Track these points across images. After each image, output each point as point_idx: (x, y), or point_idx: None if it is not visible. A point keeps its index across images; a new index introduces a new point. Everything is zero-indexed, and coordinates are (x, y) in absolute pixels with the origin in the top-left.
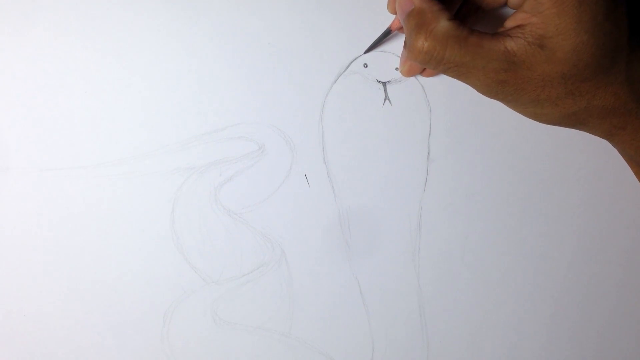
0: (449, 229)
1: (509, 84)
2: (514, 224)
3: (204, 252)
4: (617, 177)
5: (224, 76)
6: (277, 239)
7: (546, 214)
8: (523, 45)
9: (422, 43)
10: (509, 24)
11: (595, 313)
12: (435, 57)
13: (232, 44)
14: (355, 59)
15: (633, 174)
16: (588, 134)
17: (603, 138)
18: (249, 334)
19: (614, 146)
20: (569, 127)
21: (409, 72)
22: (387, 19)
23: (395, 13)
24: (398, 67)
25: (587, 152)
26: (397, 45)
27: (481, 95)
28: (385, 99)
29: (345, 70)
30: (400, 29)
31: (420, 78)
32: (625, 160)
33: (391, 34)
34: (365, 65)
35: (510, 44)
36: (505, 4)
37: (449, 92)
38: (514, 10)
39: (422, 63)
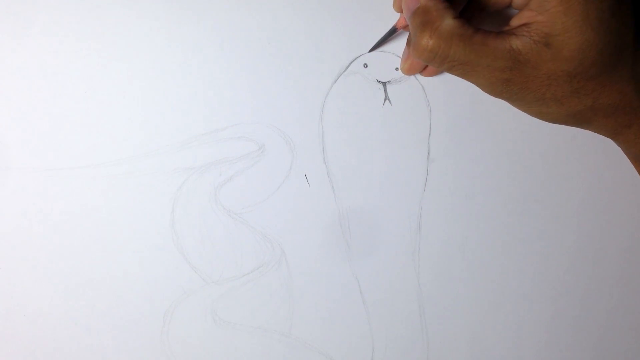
0: (449, 229)
1: (514, 82)
2: (514, 224)
3: (204, 252)
4: (617, 178)
5: (224, 76)
6: (277, 239)
7: (546, 214)
8: (528, 43)
9: (427, 41)
10: (514, 22)
11: (595, 313)
12: (440, 54)
13: (232, 43)
14: (355, 59)
15: (633, 174)
16: (588, 134)
17: (608, 137)
18: (249, 334)
19: (619, 145)
20: (574, 126)
21: (409, 70)
22: (387, 19)
23: (401, 11)
24: (398, 67)
25: (587, 152)
26: (397, 45)
27: (481, 95)
28: (385, 99)
29: (345, 70)
30: (406, 27)
31: (420, 78)
32: (630, 159)
33: (396, 33)
34: (365, 65)
35: (516, 43)
36: (510, 5)
37: (449, 92)
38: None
39: (426, 61)
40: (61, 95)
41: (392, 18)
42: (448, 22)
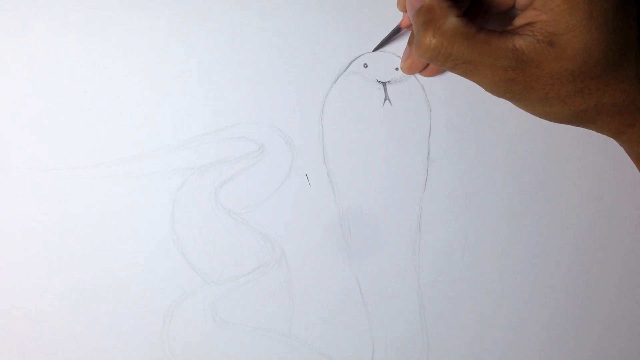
0: (449, 229)
1: (517, 82)
2: (514, 224)
3: (204, 252)
4: (617, 177)
5: (224, 76)
6: (277, 239)
7: (546, 214)
8: (532, 43)
9: (430, 39)
10: (518, 22)
11: (595, 313)
12: (443, 53)
13: (232, 43)
14: (355, 59)
15: (633, 174)
16: (588, 134)
17: (610, 136)
18: (249, 334)
19: (621, 145)
20: (578, 126)
21: (409, 69)
22: (387, 19)
23: (405, 11)
24: (398, 67)
25: (587, 152)
26: (397, 45)
27: (481, 95)
28: (385, 99)
29: (345, 70)
30: (410, 26)
31: (420, 78)
32: (632, 159)
33: (400, 32)
34: (365, 65)
35: (519, 42)
36: (513, 6)
37: (449, 92)
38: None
39: (429, 59)
40: (61, 95)
41: (392, 18)
42: (451, 20)
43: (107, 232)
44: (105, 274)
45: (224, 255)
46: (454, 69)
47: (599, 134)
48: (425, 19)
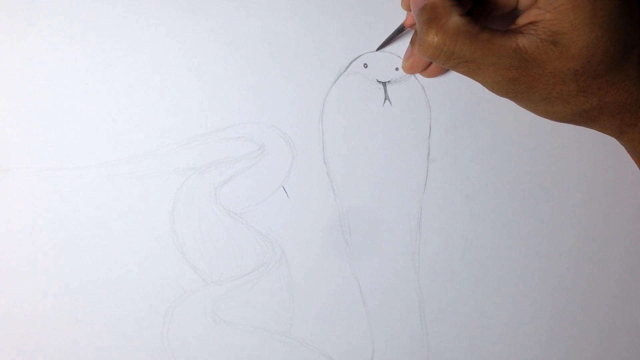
0: (449, 229)
1: (520, 81)
2: (513, 224)
3: (204, 252)
4: (617, 177)
5: (224, 76)
6: (277, 239)
7: (546, 214)
8: (535, 42)
9: (433, 37)
10: (521, 21)
11: (595, 313)
12: (445, 51)
13: (232, 44)
14: (355, 59)
15: (634, 174)
16: (588, 133)
17: (612, 136)
18: (249, 334)
19: (623, 144)
20: (580, 125)
21: (410, 69)
22: (387, 19)
23: (409, 10)
24: (398, 67)
25: (587, 151)
26: (397, 45)
27: (481, 95)
28: (385, 99)
29: (345, 70)
30: (413, 25)
31: (420, 78)
32: (633, 159)
33: (404, 31)
34: (365, 66)
35: (522, 41)
36: (515, 8)
37: (449, 92)
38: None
39: (431, 57)
40: (61, 95)
41: (392, 18)
42: (455, 19)
43: (107, 232)
44: (105, 273)
45: (224, 255)
46: (456, 67)
47: (599, 134)
48: (428, 17)
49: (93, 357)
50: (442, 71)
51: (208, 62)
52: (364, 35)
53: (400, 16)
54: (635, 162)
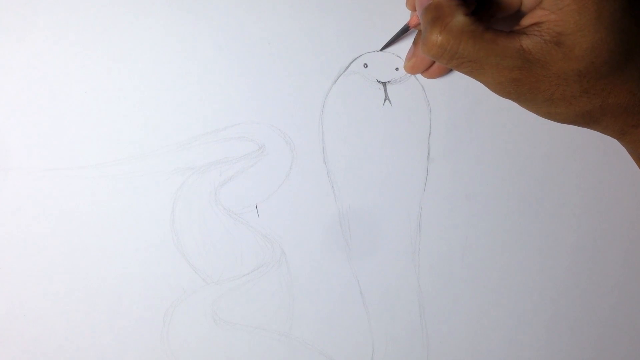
0: (449, 229)
1: (523, 82)
2: (513, 224)
3: (204, 252)
4: (617, 177)
5: (224, 76)
6: (277, 239)
7: (546, 214)
8: (539, 43)
9: (437, 36)
10: (525, 22)
11: (595, 313)
12: (449, 51)
13: (232, 43)
14: (355, 59)
15: (633, 174)
16: (588, 134)
17: (614, 137)
18: (249, 334)
19: (624, 145)
20: (582, 126)
21: (412, 69)
22: (387, 19)
23: (414, 9)
24: (398, 67)
25: (587, 152)
26: (397, 45)
27: (481, 95)
28: (385, 99)
29: (345, 70)
30: (418, 25)
31: (420, 78)
32: (634, 160)
33: (408, 31)
34: (365, 66)
35: (526, 42)
36: (519, 10)
37: (449, 92)
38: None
39: (434, 57)
40: (61, 95)
41: (393, 18)
42: (459, 18)
43: (107, 232)
44: (105, 273)
45: (224, 255)
46: (459, 67)
47: (599, 134)
48: (433, 16)
49: (93, 357)
50: (444, 72)
51: (208, 62)
52: (364, 35)
53: (400, 16)
54: (637, 163)
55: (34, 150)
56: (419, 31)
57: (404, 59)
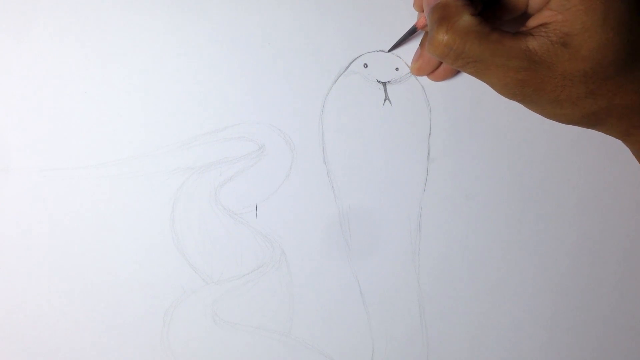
0: (449, 229)
1: (528, 84)
2: (513, 224)
3: (204, 252)
4: (617, 177)
5: (224, 76)
6: (277, 239)
7: (546, 214)
8: (545, 44)
9: (443, 36)
10: (532, 23)
11: (595, 313)
12: (455, 50)
13: (232, 44)
14: (355, 59)
15: (633, 175)
16: (589, 134)
17: (618, 138)
18: (249, 334)
19: (629, 146)
20: (587, 127)
21: (418, 71)
22: (388, 19)
23: (421, 10)
24: (398, 67)
25: (587, 152)
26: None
27: (481, 95)
28: (385, 99)
29: (345, 71)
30: (425, 27)
31: (421, 78)
32: (638, 161)
33: (416, 32)
34: (365, 66)
35: (533, 43)
36: (525, 12)
37: (449, 92)
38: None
39: (440, 56)
40: (61, 96)
41: (393, 18)
42: (466, 18)
43: (107, 232)
44: (105, 274)
45: (224, 255)
46: (464, 67)
47: (599, 134)
48: (440, 15)
49: (93, 357)
50: (450, 75)
51: (208, 62)
52: (364, 35)
53: (400, 16)
54: None
55: (34, 150)
56: (426, 33)
57: (411, 61)
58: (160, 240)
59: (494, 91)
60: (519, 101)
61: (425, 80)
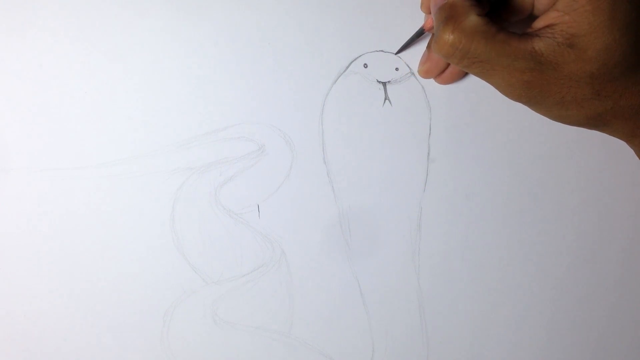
0: (449, 229)
1: (534, 85)
2: (513, 224)
3: (204, 252)
4: (617, 178)
5: (224, 76)
6: (277, 239)
7: (546, 214)
8: (552, 45)
9: (449, 35)
10: (538, 24)
11: (595, 313)
12: (461, 50)
13: (232, 44)
14: (355, 59)
15: (633, 175)
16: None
17: (623, 140)
18: (249, 334)
19: (633, 148)
20: (592, 129)
21: (426, 74)
22: (388, 19)
23: (429, 12)
24: (398, 67)
25: (587, 152)
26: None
27: (481, 95)
28: (385, 99)
29: (345, 71)
30: (432, 29)
31: (421, 78)
32: None
33: (424, 34)
34: (365, 66)
35: (539, 44)
36: (531, 14)
37: (449, 92)
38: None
39: (446, 56)
40: (61, 95)
41: (393, 18)
42: (472, 18)
43: (107, 232)
44: (105, 273)
45: (224, 255)
46: (470, 67)
47: (600, 134)
48: (446, 15)
49: (93, 357)
50: (457, 78)
51: (208, 62)
52: (364, 35)
53: (400, 15)
54: None
55: (34, 150)
56: (433, 35)
57: (418, 63)
58: (160, 240)
59: (495, 91)
60: (524, 102)
61: (425, 80)
